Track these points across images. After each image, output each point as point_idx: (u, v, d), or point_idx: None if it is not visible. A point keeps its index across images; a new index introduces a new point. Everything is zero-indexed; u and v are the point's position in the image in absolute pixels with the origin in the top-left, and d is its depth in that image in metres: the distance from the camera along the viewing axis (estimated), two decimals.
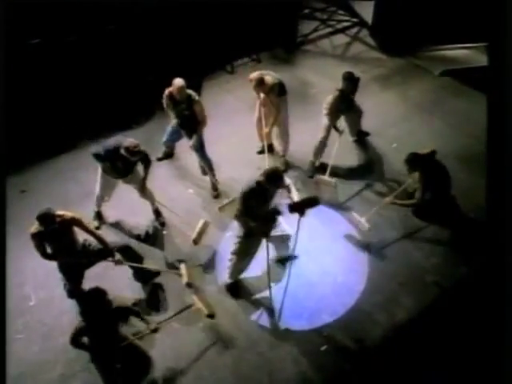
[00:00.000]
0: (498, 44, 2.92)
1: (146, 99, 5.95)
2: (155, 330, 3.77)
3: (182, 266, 4.24)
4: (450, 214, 4.90)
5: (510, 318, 2.54)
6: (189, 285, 4.14)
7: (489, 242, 3.43)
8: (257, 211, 3.74)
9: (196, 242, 4.50)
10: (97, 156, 4.30)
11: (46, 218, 3.52)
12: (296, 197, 3.73)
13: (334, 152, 5.18)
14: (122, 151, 4.14)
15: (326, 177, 5.19)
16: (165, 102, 4.83)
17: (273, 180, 3.59)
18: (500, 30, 2.85)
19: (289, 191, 3.80)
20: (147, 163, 4.44)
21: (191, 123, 4.84)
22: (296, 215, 3.67)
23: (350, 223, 4.82)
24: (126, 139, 4.20)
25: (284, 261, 4.42)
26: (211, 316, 3.97)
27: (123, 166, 4.36)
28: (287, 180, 3.84)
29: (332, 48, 7.66)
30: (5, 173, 4.08)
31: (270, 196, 3.80)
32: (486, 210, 3.13)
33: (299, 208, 3.63)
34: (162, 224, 4.86)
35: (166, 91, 4.76)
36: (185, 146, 5.10)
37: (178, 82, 4.61)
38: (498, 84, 2.86)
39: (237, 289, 4.29)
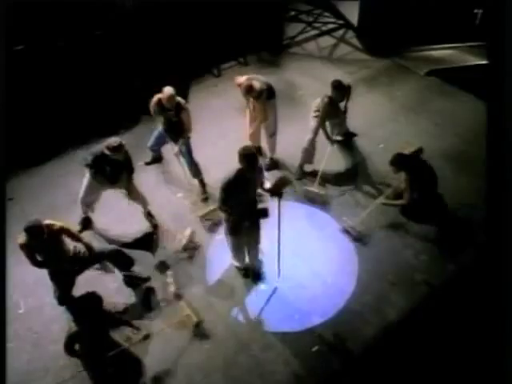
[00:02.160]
0: (497, 44, 2.94)
1: (133, 104, 5.92)
2: (146, 337, 3.76)
3: (170, 275, 4.21)
4: (437, 212, 4.94)
5: (504, 314, 2.54)
6: (177, 295, 4.13)
7: (485, 239, 3.44)
8: (239, 201, 3.69)
9: (185, 249, 4.57)
10: (88, 165, 4.31)
11: (33, 230, 3.50)
12: (268, 182, 3.82)
13: (324, 161, 5.12)
14: (106, 151, 4.13)
15: (314, 188, 5.16)
16: (152, 108, 4.82)
17: (248, 159, 3.50)
18: (499, 29, 2.86)
19: (262, 184, 3.85)
20: (130, 169, 4.44)
21: (178, 130, 4.84)
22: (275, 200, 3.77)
23: (341, 228, 4.82)
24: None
25: (255, 275, 4.43)
26: (199, 324, 3.99)
27: (111, 171, 4.35)
28: (265, 173, 3.99)
29: (318, 50, 7.68)
30: (4, 181, 4.03)
31: (250, 183, 3.74)
32: (485, 208, 3.15)
33: (276, 191, 3.72)
34: (156, 226, 4.86)
35: (155, 98, 4.75)
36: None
37: (168, 90, 4.61)
38: (497, 84, 2.87)
39: (247, 272, 4.39)
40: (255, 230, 4.04)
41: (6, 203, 3.70)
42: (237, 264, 4.43)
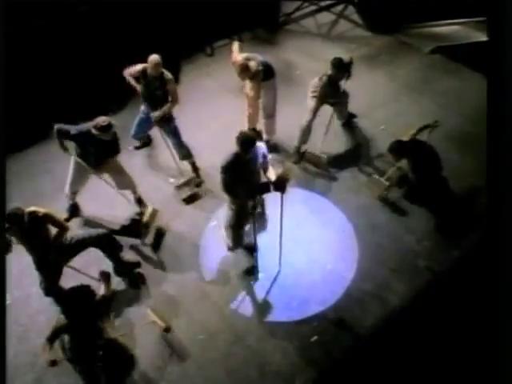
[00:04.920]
0: (497, 20, 2.78)
1: (119, 86, 5.68)
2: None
3: (150, 313, 3.84)
4: (441, 196, 4.77)
5: (503, 301, 2.46)
6: (167, 330, 3.72)
7: (488, 224, 3.31)
8: (239, 183, 3.60)
9: (147, 226, 4.45)
10: (60, 132, 4.06)
11: (14, 218, 3.40)
12: (273, 175, 3.65)
13: (326, 128, 5.01)
14: (93, 130, 3.95)
15: (316, 152, 5.05)
16: (134, 74, 4.57)
17: (245, 144, 3.45)
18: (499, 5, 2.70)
19: (266, 170, 3.71)
20: (115, 150, 4.25)
21: (161, 105, 4.60)
22: (278, 194, 3.60)
23: (372, 184, 4.81)
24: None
25: (250, 272, 4.28)
26: (167, 330, 3.71)
27: (95, 153, 4.15)
28: (269, 156, 3.76)
29: (316, 27, 7.43)
30: (4, 169, 3.85)
31: (250, 166, 3.64)
32: (487, 193, 3.03)
33: (281, 185, 3.55)
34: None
35: (139, 66, 4.52)
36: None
37: (154, 57, 4.42)
38: (497, 61, 2.72)
39: (249, 249, 4.26)
40: (261, 212, 3.95)
41: (5, 203, 3.57)
42: (234, 247, 4.27)
